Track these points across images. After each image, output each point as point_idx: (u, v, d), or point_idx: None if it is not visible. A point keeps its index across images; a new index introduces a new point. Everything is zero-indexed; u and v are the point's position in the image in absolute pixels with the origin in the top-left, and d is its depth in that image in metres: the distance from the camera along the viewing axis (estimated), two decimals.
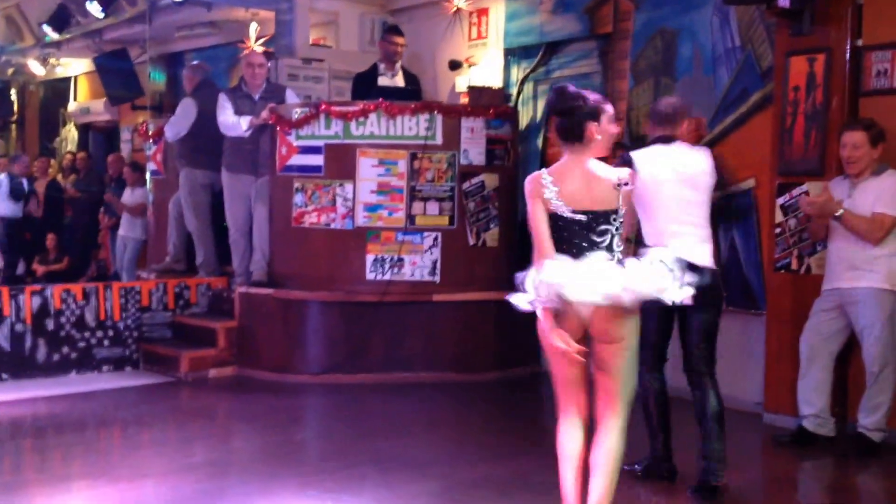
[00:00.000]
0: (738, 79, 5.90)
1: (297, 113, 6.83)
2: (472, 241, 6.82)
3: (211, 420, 5.83)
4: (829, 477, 4.83)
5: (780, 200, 5.42)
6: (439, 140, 6.73)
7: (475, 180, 6.84)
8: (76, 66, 12.47)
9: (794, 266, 5.35)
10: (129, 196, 9.31)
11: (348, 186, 6.68)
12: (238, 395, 6.41)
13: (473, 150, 6.83)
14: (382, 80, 7.28)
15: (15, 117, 13.68)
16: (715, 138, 5.96)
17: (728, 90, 5.95)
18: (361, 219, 6.67)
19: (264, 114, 6.87)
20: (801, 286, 5.28)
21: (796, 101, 5.37)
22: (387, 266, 6.64)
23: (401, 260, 6.67)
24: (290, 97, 7.25)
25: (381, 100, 6.70)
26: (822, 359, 4.93)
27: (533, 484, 4.28)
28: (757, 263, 5.73)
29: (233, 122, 6.99)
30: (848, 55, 5.19)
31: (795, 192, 5.33)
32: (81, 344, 6.76)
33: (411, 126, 6.71)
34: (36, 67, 12.41)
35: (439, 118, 6.73)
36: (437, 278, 6.70)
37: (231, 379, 6.74)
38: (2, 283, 8.76)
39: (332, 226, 6.70)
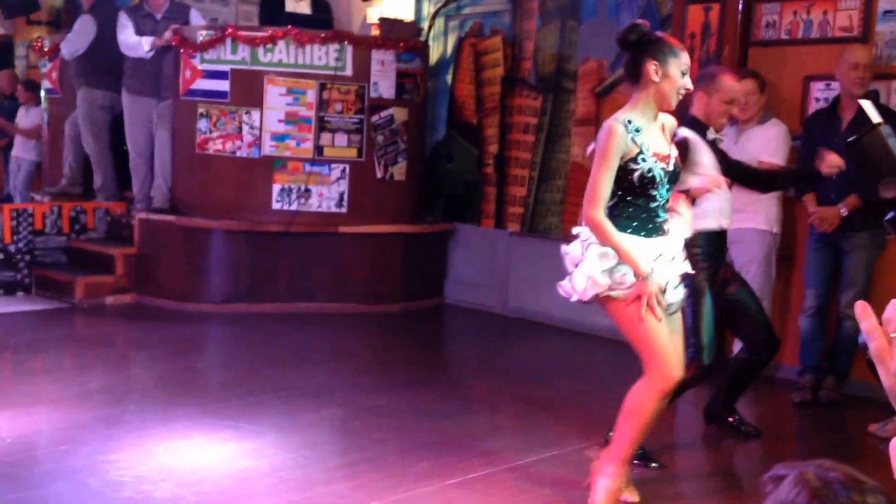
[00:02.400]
0: None
1: (202, 36, 6.63)
2: (379, 175, 6.81)
3: (108, 347, 5.73)
4: (704, 403, 5.06)
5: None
6: (349, 71, 6.65)
7: (384, 114, 6.80)
8: None
9: None
10: (23, 116, 8.93)
11: (255, 114, 6.56)
12: (137, 322, 6.31)
13: (383, 83, 6.77)
14: (289, 6, 7.12)
15: None
16: (615, 81, 6.06)
17: None
18: (268, 148, 6.58)
19: (167, 34, 6.65)
20: None
21: (692, 48, 5.50)
22: (293, 196, 6.59)
23: (308, 191, 6.62)
24: (195, 18, 7.03)
25: (289, 27, 6.56)
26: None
27: (430, 413, 4.39)
28: None
29: (133, 41, 6.75)
30: (741, 6, 5.35)
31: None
32: None
33: (321, 56, 6.60)
34: None
35: (349, 49, 6.64)
36: (345, 210, 6.68)
37: (129, 307, 6.62)
38: None
39: (238, 154, 6.59)
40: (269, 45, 6.53)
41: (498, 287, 6.83)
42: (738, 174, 4.08)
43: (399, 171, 6.88)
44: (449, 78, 7.26)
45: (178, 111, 6.77)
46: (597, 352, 5.81)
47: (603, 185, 3.07)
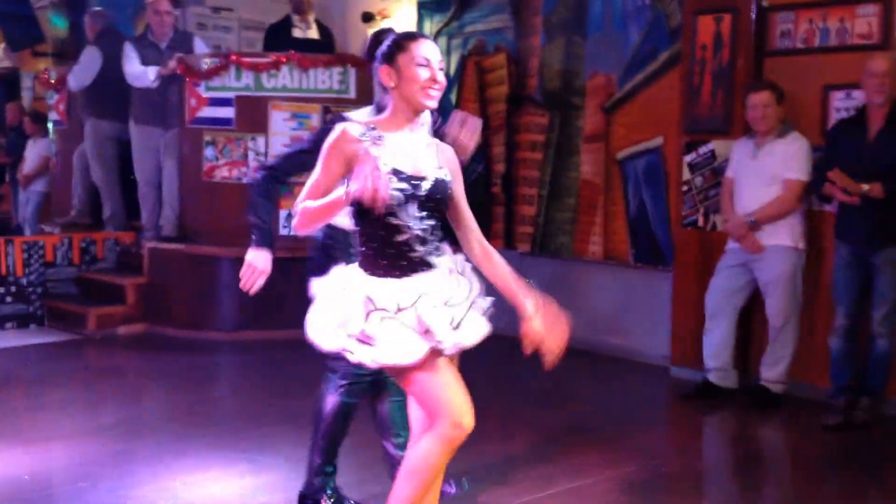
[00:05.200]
0: (648, 37, 5.97)
1: (206, 63, 6.66)
2: None
3: (120, 379, 5.73)
4: (732, 427, 5.01)
5: (688, 158, 5.54)
6: (353, 94, 6.65)
7: None
8: None
9: (700, 223, 5.50)
10: (30, 148, 8.96)
11: (260, 140, 6.57)
12: (148, 353, 6.30)
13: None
14: (296, 33, 7.14)
15: None
16: (624, 96, 6.05)
17: (638, 48, 6.02)
18: None
19: (171, 63, 6.68)
20: (707, 242, 5.44)
21: (703, 59, 5.47)
22: None
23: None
24: (199, 47, 7.06)
25: (292, 52, 6.58)
26: (727, 314, 5.09)
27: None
28: (664, 220, 5.87)
29: (139, 71, 6.78)
30: (754, 15, 5.30)
31: (702, 150, 5.46)
32: None
33: (324, 79, 6.62)
34: None
35: (352, 71, 6.66)
36: None
37: (140, 336, 6.63)
38: None
39: (244, 180, 6.58)
40: (272, 71, 6.56)
41: (509, 308, 6.77)
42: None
43: None
44: (453, 97, 7.25)
45: (185, 139, 6.79)
46: (616, 375, 5.74)
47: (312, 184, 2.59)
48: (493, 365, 6.28)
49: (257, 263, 3.30)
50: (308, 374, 5.77)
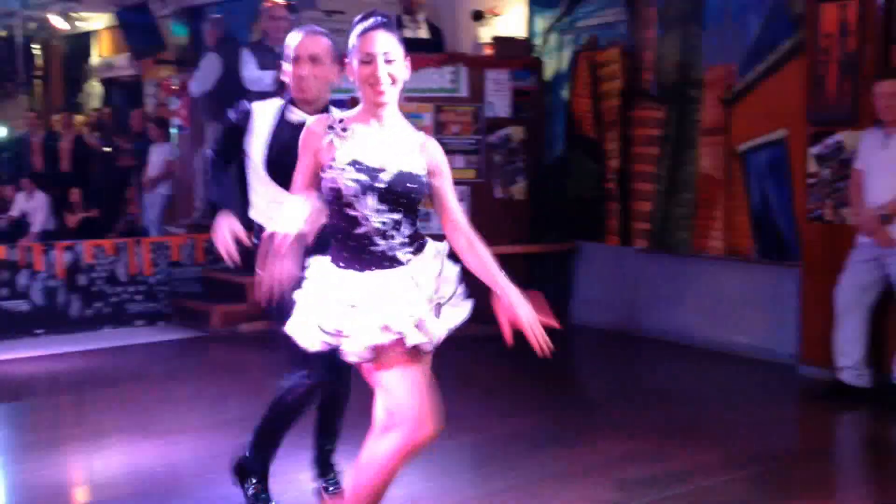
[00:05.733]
0: (769, 26, 5.78)
1: None
2: (498, 195, 6.79)
3: (243, 374, 5.89)
4: (865, 429, 4.81)
5: (814, 150, 5.34)
6: (464, 92, 6.67)
7: (501, 133, 6.79)
8: (98, 21, 12.42)
9: (827, 217, 5.29)
10: (154, 153, 9.31)
11: None
12: (270, 349, 6.44)
13: (499, 102, 6.77)
14: (406, 33, 7.19)
15: (39, 73, 13.66)
16: (745, 87, 5.87)
17: (758, 38, 5.84)
18: None
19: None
20: (836, 237, 5.22)
21: (828, 48, 5.26)
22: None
23: (427, 214, 6.64)
24: None
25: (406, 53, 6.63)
26: (858, 310, 4.89)
27: (563, 439, 4.32)
28: (789, 214, 5.67)
29: (257, 76, 6.95)
30: (881, 1, 5.07)
31: (829, 141, 5.25)
32: (114, 299, 6.84)
33: (436, 78, 6.65)
34: (58, 22, 12.35)
35: (464, 70, 6.68)
36: None
37: (262, 333, 6.80)
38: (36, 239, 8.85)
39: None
40: None
41: (626, 306, 6.69)
42: None
43: (518, 190, 6.85)
44: (565, 93, 7.19)
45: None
46: (741, 374, 5.58)
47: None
48: (615, 364, 6.20)
49: (220, 227, 3.24)
50: (435, 370, 5.84)
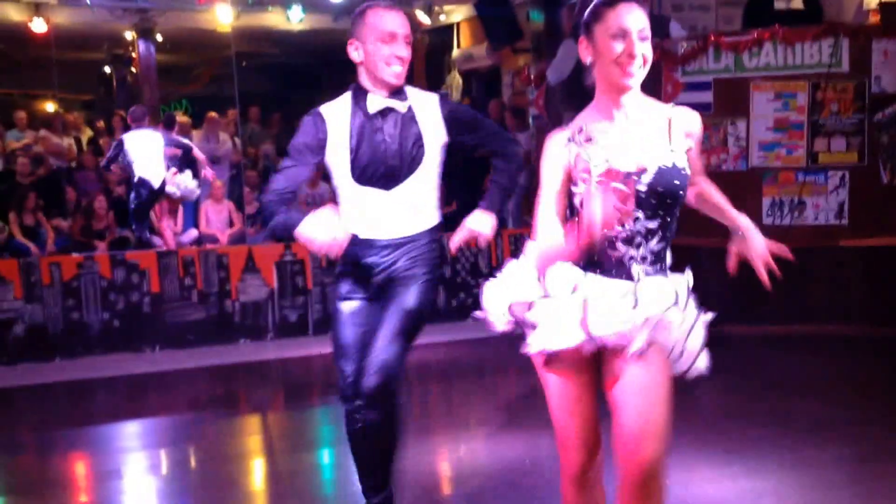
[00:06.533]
0: None
1: (682, 47, 6.45)
2: (885, 180, 6.05)
3: None
4: None
5: None
6: (845, 67, 6.02)
7: (889, 111, 6.03)
8: (458, 13, 12.94)
9: None
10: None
11: (741, 124, 6.21)
12: None
13: (887, 75, 6.02)
14: (778, 4, 6.63)
15: None
16: None
17: None
18: (756, 159, 6.18)
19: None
20: None
21: None
22: (786, 209, 6.12)
23: (802, 202, 6.10)
24: (675, 30, 6.85)
25: (776, 26, 6.10)
26: None
27: None
28: None
29: None
30: None
31: None
32: (476, 290, 7.05)
33: (812, 53, 6.06)
34: (422, 17, 13.05)
35: (845, 42, 6.04)
36: (845, 222, 6.04)
37: None
38: None
39: (724, 167, 6.28)
40: (754, 49, 6.15)
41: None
42: None
43: None
44: None
45: None
46: None
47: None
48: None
49: (315, 232, 2.70)
50: (793, 372, 5.38)
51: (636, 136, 2.30)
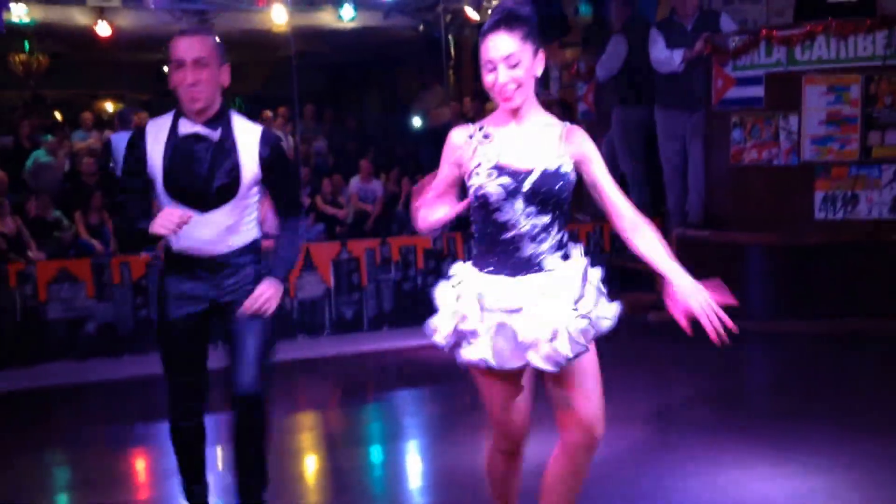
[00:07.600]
0: None
1: (734, 41, 6.44)
2: None
3: (652, 365, 5.83)
4: None
5: None
6: None
7: None
8: None
9: None
10: None
11: (793, 119, 6.18)
12: (676, 340, 6.31)
13: None
14: None
15: (452, 62, 14.63)
16: None
17: None
18: (808, 153, 6.16)
19: (698, 45, 6.57)
20: None
21: None
22: (839, 204, 6.08)
23: (855, 197, 6.06)
24: (726, 24, 6.84)
25: (829, 19, 6.06)
26: None
27: None
28: None
29: (665, 56, 6.78)
30: None
31: None
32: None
33: (866, 45, 6.02)
34: (471, 12, 13.09)
35: None
36: None
37: (670, 323, 6.65)
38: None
39: (775, 162, 6.27)
40: (806, 43, 6.12)
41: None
42: None
43: None
44: None
45: (711, 122, 6.66)
46: None
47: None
48: None
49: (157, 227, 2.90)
50: (845, 368, 5.36)
51: (528, 141, 2.51)
